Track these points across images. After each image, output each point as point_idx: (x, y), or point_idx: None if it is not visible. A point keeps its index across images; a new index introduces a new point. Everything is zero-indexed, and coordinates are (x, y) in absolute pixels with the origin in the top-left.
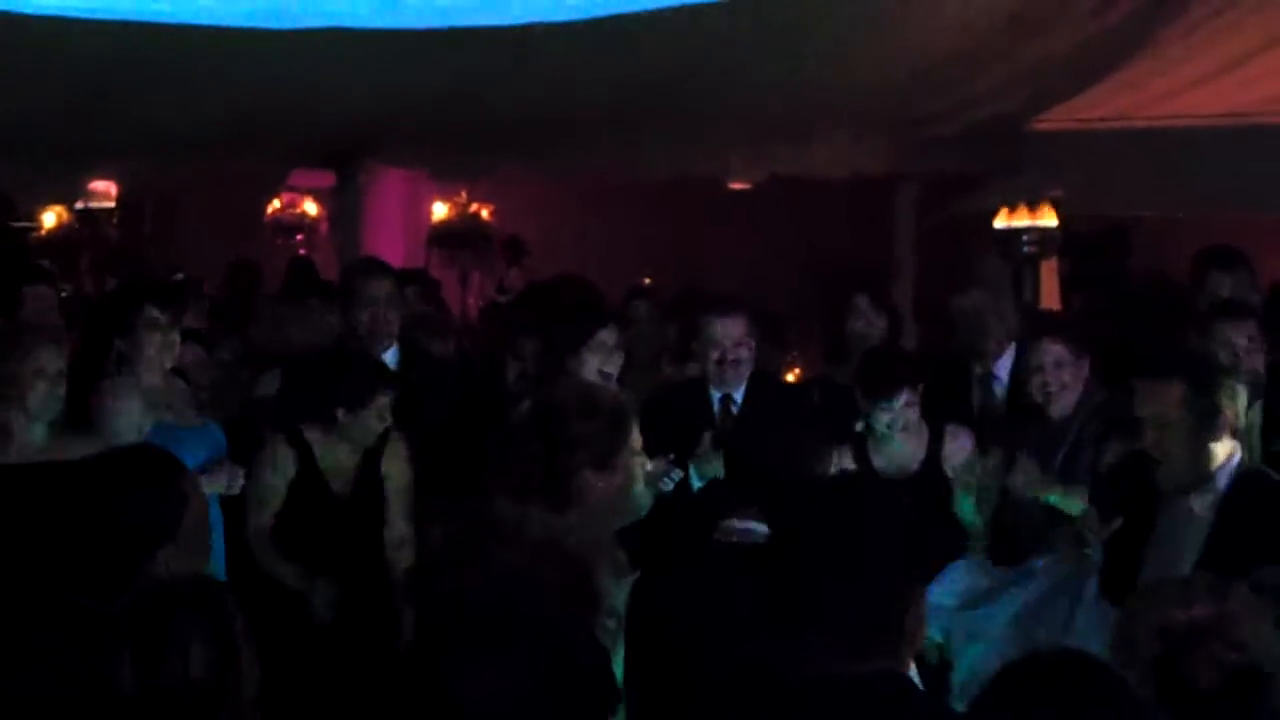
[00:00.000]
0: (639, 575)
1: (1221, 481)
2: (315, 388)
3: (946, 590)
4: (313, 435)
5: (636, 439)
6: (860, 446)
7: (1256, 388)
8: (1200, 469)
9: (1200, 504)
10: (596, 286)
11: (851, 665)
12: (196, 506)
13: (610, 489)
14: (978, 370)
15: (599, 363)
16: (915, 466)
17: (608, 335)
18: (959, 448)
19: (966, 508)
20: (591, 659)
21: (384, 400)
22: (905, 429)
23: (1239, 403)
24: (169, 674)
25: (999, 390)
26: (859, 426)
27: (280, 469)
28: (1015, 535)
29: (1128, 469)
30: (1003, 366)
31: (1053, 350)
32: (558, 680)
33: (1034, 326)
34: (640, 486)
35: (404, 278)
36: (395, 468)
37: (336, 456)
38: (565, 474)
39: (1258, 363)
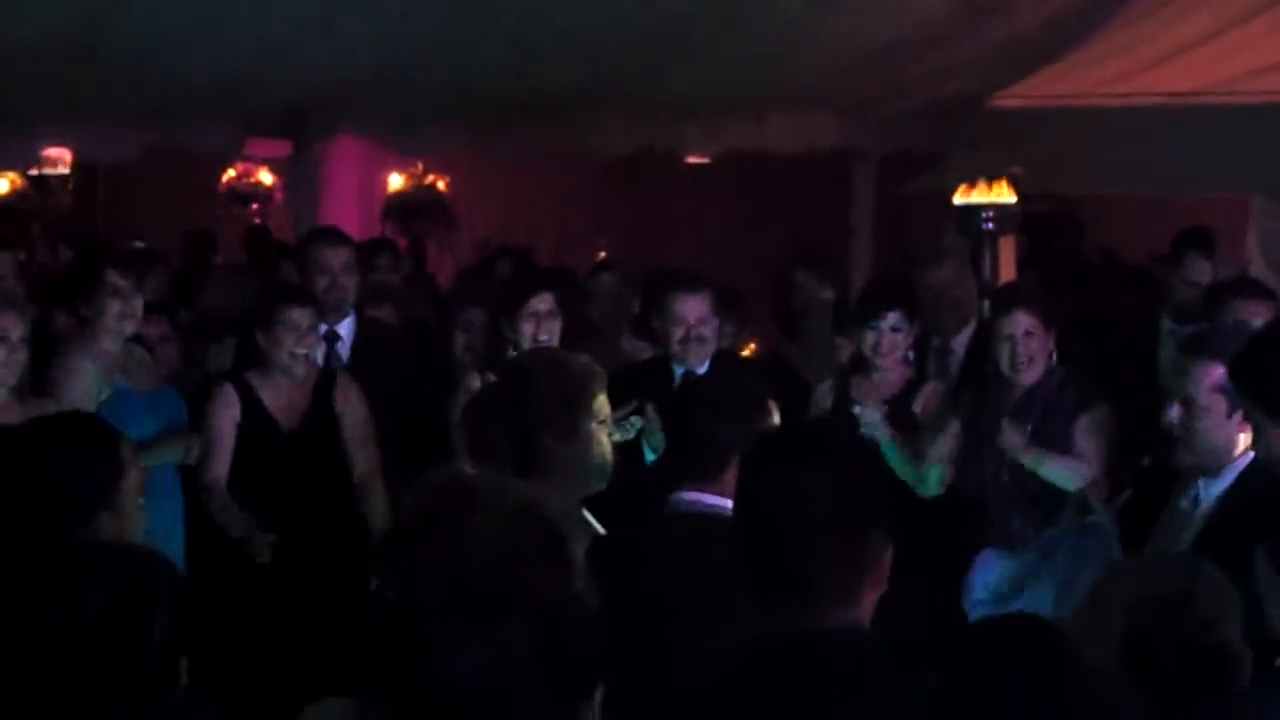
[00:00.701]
0: (590, 542)
1: (1238, 467)
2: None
3: (979, 586)
4: (254, 378)
5: (602, 407)
6: (844, 380)
7: None
8: (1222, 454)
9: (1213, 488)
10: (532, 255)
11: (808, 620)
12: (133, 476)
13: (572, 456)
14: (935, 342)
15: (533, 329)
16: (889, 395)
17: (541, 302)
18: (932, 398)
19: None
20: (580, 627)
21: (295, 315)
22: (890, 353)
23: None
24: (75, 633)
25: (953, 364)
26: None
27: (223, 412)
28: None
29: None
30: (959, 341)
31: (1023, 321)
32: (548, 649)
33: (1004, 297)
34: (604, 455)
35: (373, 247)
36: (348, 405)
37: (284, 396)
38: (528, 441)
39: None
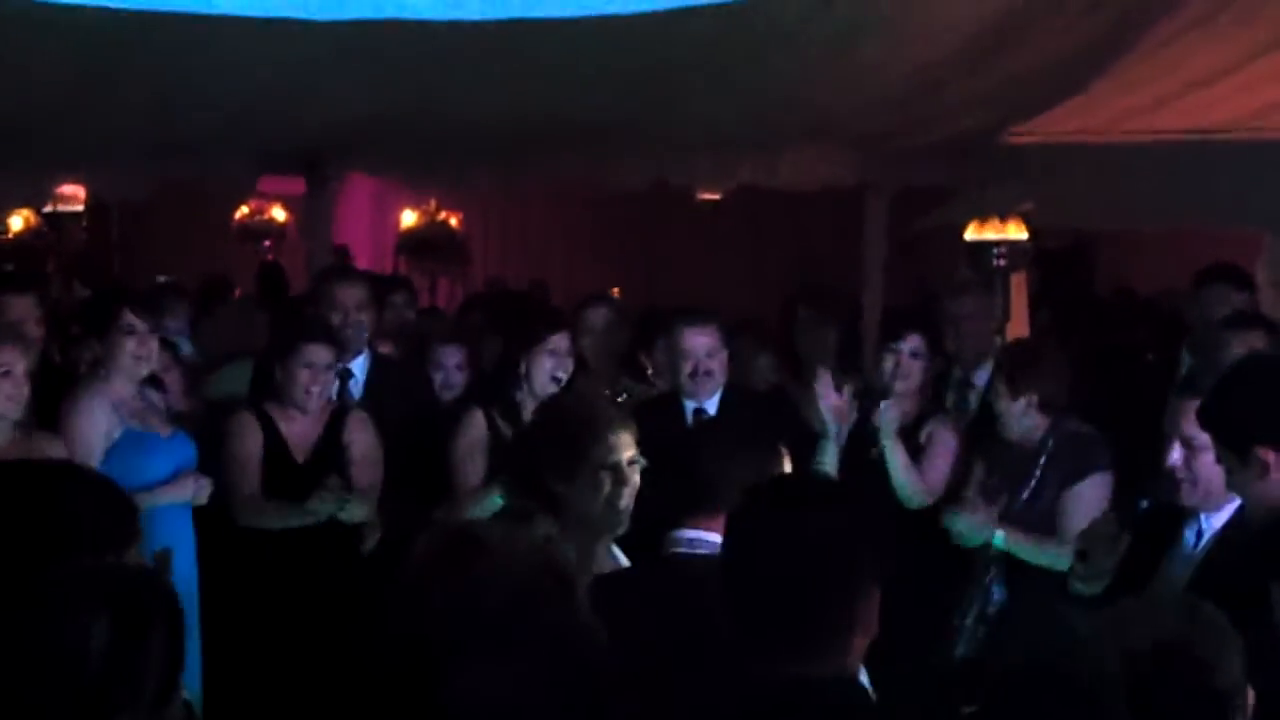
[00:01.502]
0: (590, 582)
1: (1237, 501)
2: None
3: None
4: (271, 408)
5: (614, 449)
6: (865, 404)
7: None
8: (1224, 490)
9: (1213, 523)
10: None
11: (798, 669)
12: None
13: (577, 499)
14: (956, 375)
15: (553, 367)
16: (905, 421)
17: (561, 339)
18: (940, 438)
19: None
20: (589, 663)
21: (315, 353)
22: (906, 379)
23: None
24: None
25: (972, 397)
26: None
27: (250, 437)
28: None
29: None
30: (981, 376)
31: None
32: (557, 683)
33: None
34: (617, 496)
35: (390, 284)
36: (357, 437)
37: (298, 427)
38: (536, 483)
39: None
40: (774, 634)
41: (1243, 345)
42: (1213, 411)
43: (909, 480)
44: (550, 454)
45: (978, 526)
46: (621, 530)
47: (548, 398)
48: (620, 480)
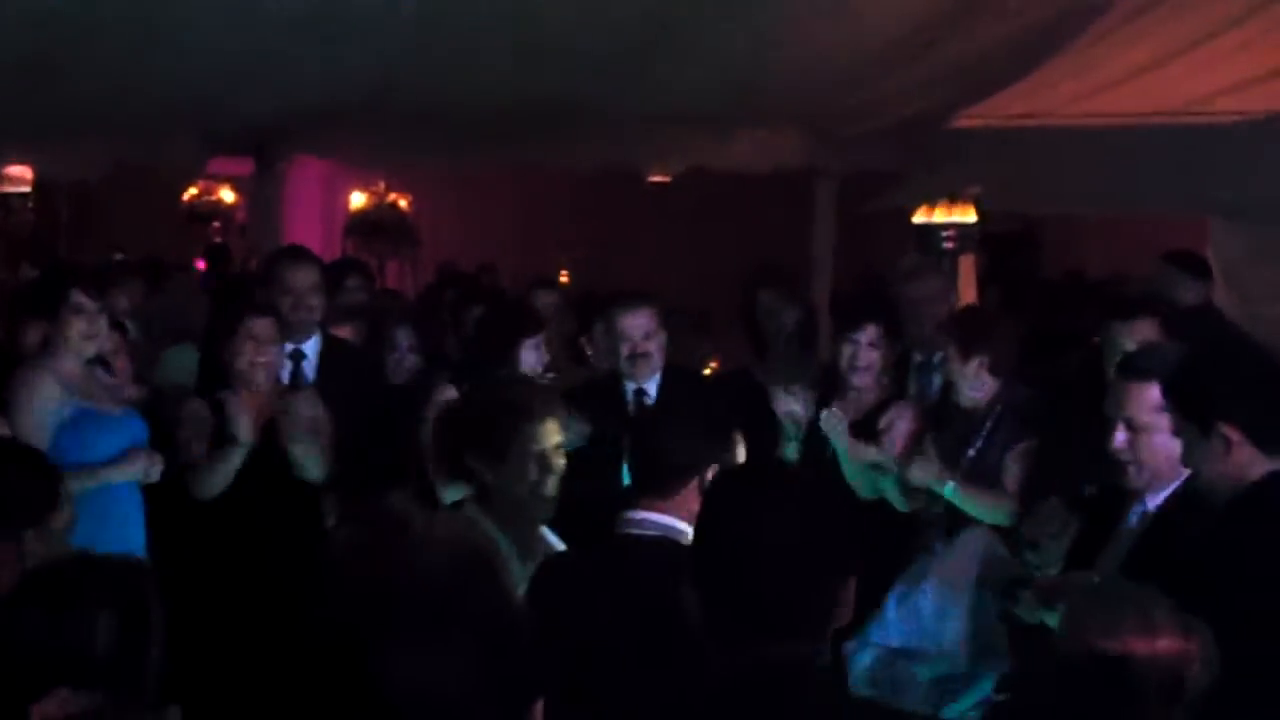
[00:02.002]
0: (540, 563)
1: (1177, 482)
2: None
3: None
4: (224, 394)
5: (539, 438)
6: (825, 392)
7: None
8: (1170, 471)
9: (1154, 503)
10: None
11: (770, 653)
12: (66, 514)
13: (504, 483)
14: (917, 359)
15: (534, 361)
16: (866, 409)
17: (540, 339)
18: (900, 420)
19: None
20: (516, 643)
21: (258, 326)
22: (866, 369)
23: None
24: (72, 644)
25: (936, 380)
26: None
27: (197, 417)
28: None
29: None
30: (938, 359)
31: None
32: (485, 666)
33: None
34: (542, 486)
35: (344, 266)
36: (306, 409)
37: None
38: (463, 466)
39: None
40: (746, 619)
41: (1139, 334)
42: (1179, 386)
43: (985, 507)
44: (477, 439)
45: (930, 475)
46: (548, 516)
47: (475, 383)
48: (546, 467)
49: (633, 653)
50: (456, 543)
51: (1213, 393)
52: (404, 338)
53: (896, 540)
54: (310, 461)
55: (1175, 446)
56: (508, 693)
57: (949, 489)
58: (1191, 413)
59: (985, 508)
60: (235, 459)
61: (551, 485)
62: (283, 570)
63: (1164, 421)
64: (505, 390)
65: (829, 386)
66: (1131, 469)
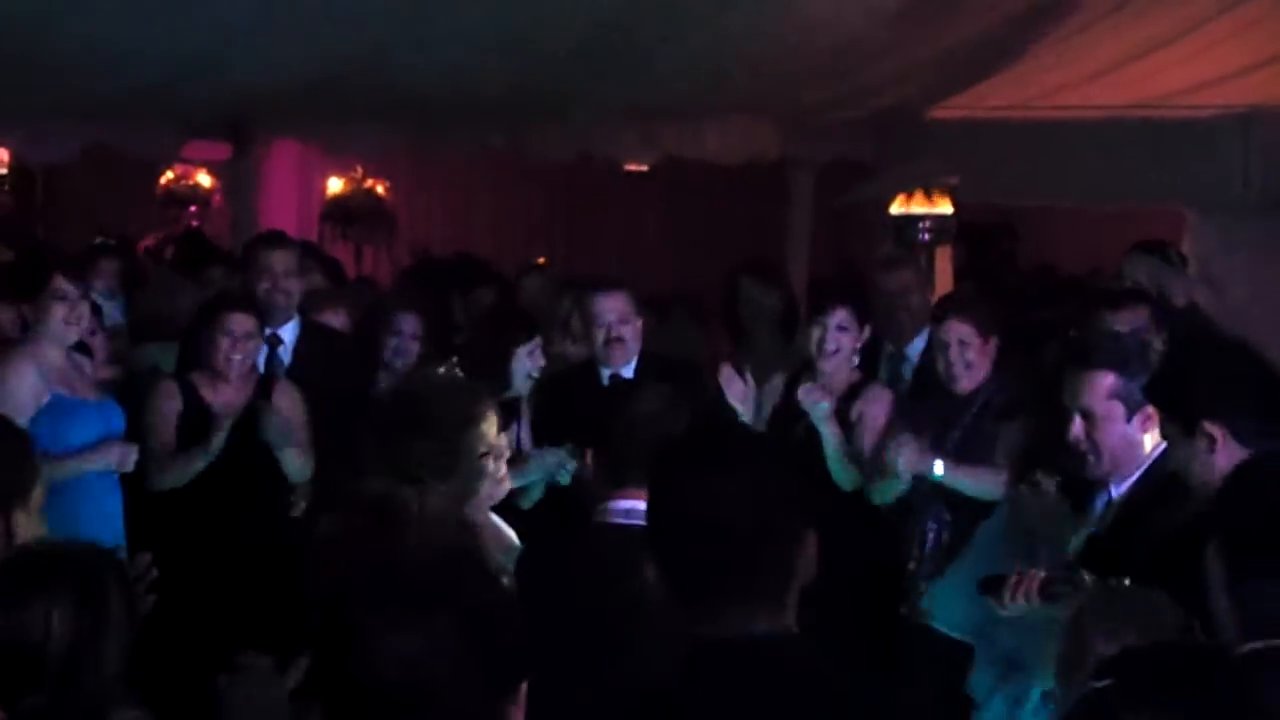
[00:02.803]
0: (521, 550)
1: (1143, 468)
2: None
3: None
4: (198, 378)
5: (481, 442)
6: (793, 378)
7: None
8: (1129, 458)
9: (1120, 490)
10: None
11: (735, 627)
12: (39, 491)
13: (454, 489)
14: (889, 349)
15: (529, 367)
16: (836, 395)
17: (538, 343)
18: (875, 401)
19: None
20: (505, 622)
21: (236, 322)
22: (836, 353)
23: None
24: (28, 635)
25: (906, 371)
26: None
27: (163, 403)
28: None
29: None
30: (914, 348)
31: (959, 329)
32: (475, 643)
33: (942, 306)
34: (491, 477)
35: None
36: (284, 404)
37: (222, 396)
38: (412, 481)
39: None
40: (705, 593)
41: (1125, 323)
42: (1161, 385)
43: (843, 463)
44: (425, 461)
45: (917, 459)
46: (500, 497)
47: (399, 389)
48: (498, 455)
49: (616, 640)
50: (446, 527)
51: (1195, 391)
52: (407, 324)
53: (893, 518)
54: (292, 464)
55: (1133, 433)
56: (494, 673)
57: (936, 471)
58: (1174, 411)
59: (976, 484)
60: (197, 464)
61: (503, 468)
62: (250, 559)
63: (1118, 410)
64: (437, 409)
65: (804, 369)
66: (1090, 459)
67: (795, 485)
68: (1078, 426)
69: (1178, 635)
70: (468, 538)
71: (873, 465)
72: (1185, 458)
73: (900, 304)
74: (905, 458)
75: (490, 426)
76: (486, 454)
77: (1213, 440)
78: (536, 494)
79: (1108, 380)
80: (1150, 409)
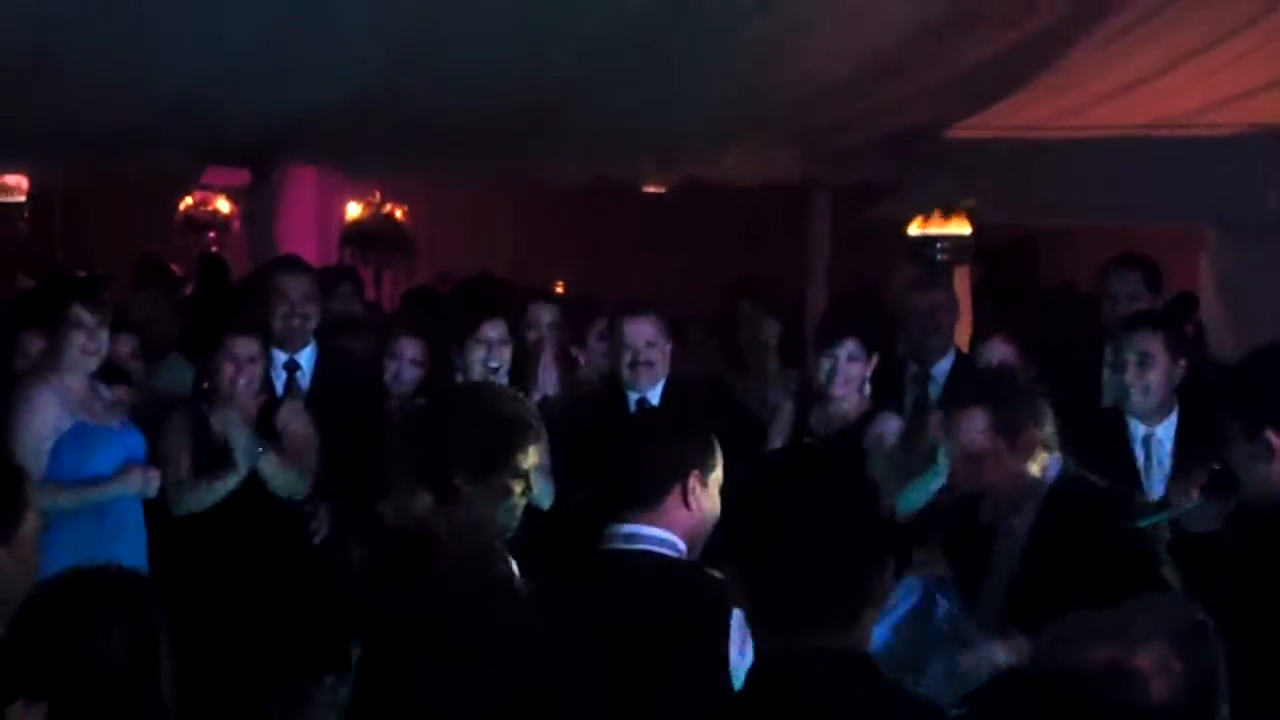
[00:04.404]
0: (539, 580)
1: (1040, 495)
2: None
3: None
4: (204, 404)
5: (526, 458)
6: (802, 407)
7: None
8: (1018, 489)
9: (1021, 523)
10: (506, 285)
11: (813, 641)
12: (32, 519)
13: (481, 503)
14: (914, 369)
15: (484, 355)
16: (845, 424)
17: (492, 329)
18: (887, 428)
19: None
20: (544, 659)
21: (240, 346)
22: (846, 383)
23: (1045, 420)
24: (89, 660)
25: (933, 391)
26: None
27: (175, 433)
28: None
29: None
30: (940, 369)
31: (1002, 349)
32: (517, 681)
33: (985, 327)
34: (513, 510)
35: (335, 275)
36: (290, 424)
37: (230, 419)
38: (442, 477)
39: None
40: (790, 607)
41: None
42: (1234, 385)
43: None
44: (465, 451)
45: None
46: (510, 534)
47: (465, 389)
48: (528, 489)
49: (642, 667)
50: (484, 569)
51: (1260, 399)
52: (406, 349)
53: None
54: (278, 478)
55: (1019, 465)
56: (536, 711)
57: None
58: (1240, 413)
59: None
60: (230, 484)
61: (522, 506)
62: (265, 586)
63: (997, 442)
64: (499, 403)
65: (809, 398)
66: (983, 500)
67: (878, 510)
68: (962, 469)
69: None
70: (501, 566)
71: (909, 461)
72: (1245, 464)
73: (930, 324)
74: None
75: (535, 450)
76: (521, 476)
77: (1271, 449)
78: (514, 519)
79: (981, 415)
80: (1032, 438)
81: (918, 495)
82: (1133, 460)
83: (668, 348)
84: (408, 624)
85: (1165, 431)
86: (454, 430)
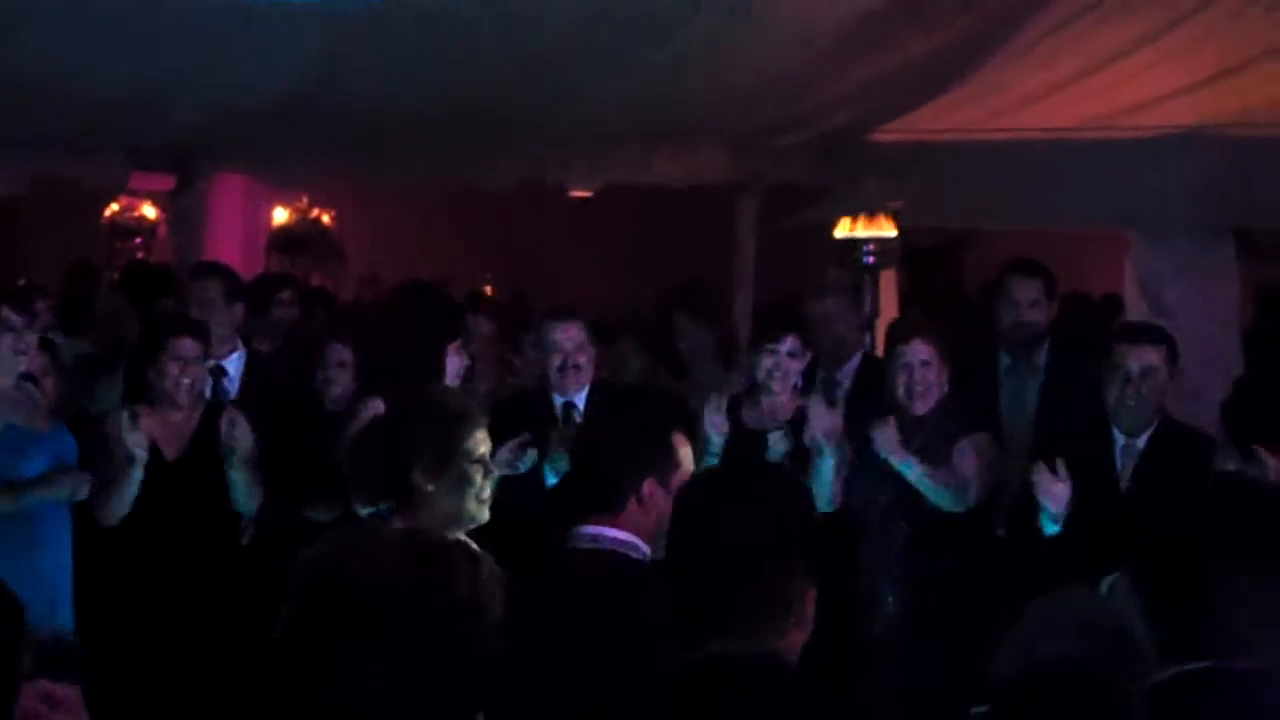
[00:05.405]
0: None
1: None
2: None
3: None
4: (145, 410)
5: (477, 447)
6: (735, 405)
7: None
8: None
9: None
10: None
11: (731, 646)
12: None
13: (443, 496)
14: (821, 374)
15: (456, 367)
16: (780, 424)
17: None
18: (823, 416)
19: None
20: (466, 653)
21: (183, 346)
22: (785, 379)
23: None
24: None
25: (840, 395)
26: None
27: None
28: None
29: None
30: (846, 373)
31: (922, 350)
32: (434, 674)
33: (903, 326)
34: (479, 494)
35: (275, 283)
36: (241, 440)
37: (168, 427)
38: (400, 478)
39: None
40: (711, 615)
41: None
42: (1231, 408)
43: (945, 487)
44: (421, 449)
45: (894, 447)
46: (483, 521)
47: (402, 392)
48: (488, 472)
49: (597, 663)
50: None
51: (1253, 418)
52: (336, 354)
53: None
54: (242, 491)
55: None
56: (451, 706)
57: (908, 466)
58: (1234, 434)
59: (942, 489)
60: (133, 477)
61: (489, 490)
62: (198, 591)
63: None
64: (437, 399)
65: (746, 402)
66: None
67: (804, 519)
68: None
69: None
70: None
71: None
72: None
73: (827, 331)
74: (885, 437)
75: (483, 436)
76: (478, 462)
77: (1265, 466)
78: (483, 512)
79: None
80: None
81: (823, 490)
82: (1114, 468)
83: (593, 352)
84: (323, 622)
85: (1143, 443)
86: (406, 433)
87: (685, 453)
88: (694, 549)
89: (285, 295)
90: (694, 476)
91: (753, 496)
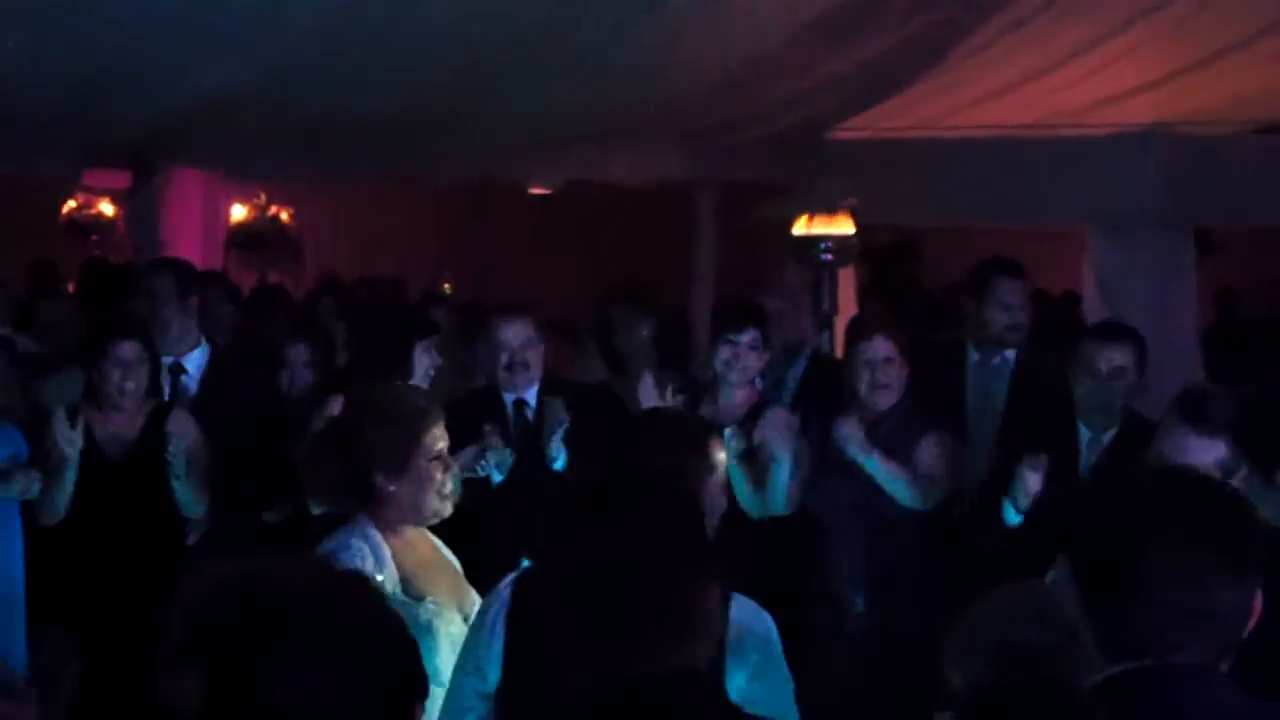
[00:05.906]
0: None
1: None
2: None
3: None
4: (90, 411)
5: (435, 442)
6: (693, 397)
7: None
8: None
9: None
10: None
11: (645, 664)
12: None
13: (404, 493)
14: (769, 372)
15: (428, 365)
16: (737, 417)
17: (431, 340)
18: (775, 416)
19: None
20: (389, 661)
21: (123, 350)
22: (744, 372)
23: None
24: None
25: (786, 396)
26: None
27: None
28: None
29: None
30: (793, 374)
31: (883, 347)
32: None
33: (864, 324)
34: (440, 490)
35: (205, 280)
36: (178, 430)
37: (114, 428)
38: (361, 478)
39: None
40: (613, 632)
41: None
42: (1243, 431)
43: (908, 483)
44: (380, 450)
45: (859, 442)
46: (445, 515)
47: (359, 392)
48: (447, 467)
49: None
50: (326, 561)
51: (1272, 439)
52: (299, 354)
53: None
54: (185, 496)
55: None
56: (387, 703)
57: (872, 461)
58: (1254, 458)
59: (902, 484)
60: (67, 477)
61: (450, 485)
62: (141, 593)
63: None
64: (394, 398)
65: (698, 392)
66: None
67: (698, 530)
68: None
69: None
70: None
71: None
72: (1271, 505)
73: (775, 329)
74: (849, 432)
75: (441, 432)
76: (438, 458)
77: None
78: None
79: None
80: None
81: (778, 493)
82: (1078, 465)
83: (541, 349)
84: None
85: (1109, 439)
86: (365, 434)
87: (721, 456)
88: (590, 564)
89: (214, 293)
90: (585, 489)
91: (644, 507)
